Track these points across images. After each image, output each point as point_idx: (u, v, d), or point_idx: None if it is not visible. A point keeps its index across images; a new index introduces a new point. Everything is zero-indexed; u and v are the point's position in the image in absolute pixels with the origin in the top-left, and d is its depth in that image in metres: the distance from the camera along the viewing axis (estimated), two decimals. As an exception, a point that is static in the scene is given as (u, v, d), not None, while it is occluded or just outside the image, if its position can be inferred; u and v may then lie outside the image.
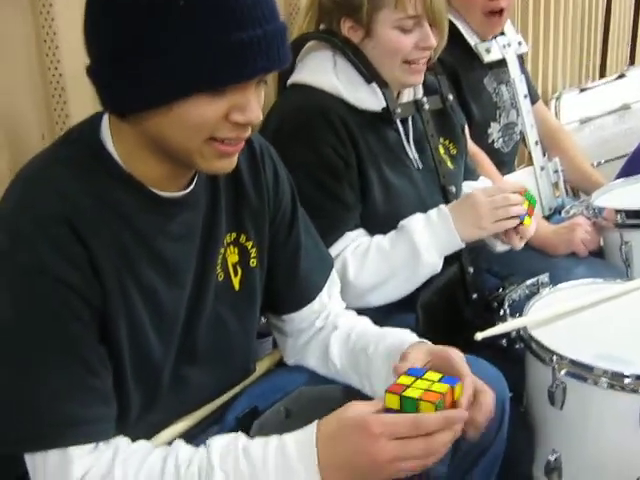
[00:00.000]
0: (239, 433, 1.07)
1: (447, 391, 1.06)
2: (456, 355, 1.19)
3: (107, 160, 1.09)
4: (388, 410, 1.04)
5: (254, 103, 1.04)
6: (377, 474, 1.01)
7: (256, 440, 1.05)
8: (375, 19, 1.61)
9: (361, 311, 1.50)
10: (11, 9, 1.48)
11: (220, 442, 1.05)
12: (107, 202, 1.07)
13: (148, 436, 1.16)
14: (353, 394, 1.32)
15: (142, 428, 1.17)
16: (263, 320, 1.55)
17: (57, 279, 1.01)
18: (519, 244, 1.71)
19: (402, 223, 1.65)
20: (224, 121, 1.03)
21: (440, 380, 1.08)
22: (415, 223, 1.63)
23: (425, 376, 1.09)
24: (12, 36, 1.48)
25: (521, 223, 1.65)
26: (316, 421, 1.04)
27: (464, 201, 1.66)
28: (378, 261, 1.61)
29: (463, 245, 1.65)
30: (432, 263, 1.62)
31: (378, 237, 1.65)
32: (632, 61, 4.13)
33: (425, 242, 1.60)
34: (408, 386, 1.06)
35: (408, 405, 1.04)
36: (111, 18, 0.98)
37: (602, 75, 3.99)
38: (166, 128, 1.03)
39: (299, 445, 1.02)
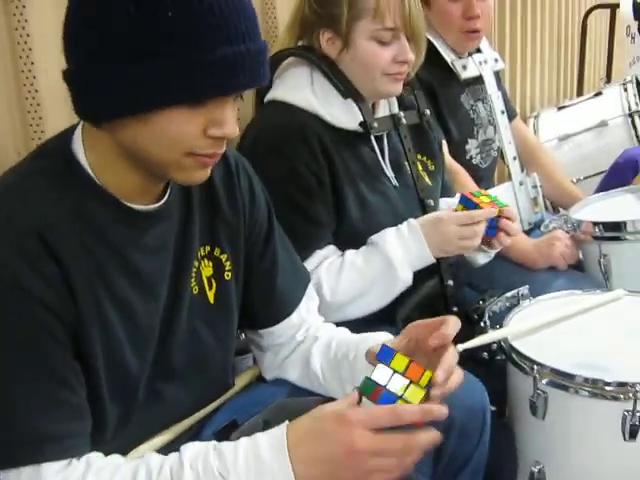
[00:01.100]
0: (212, 441, 1.06)
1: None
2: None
3: (79, 172, 1.08)
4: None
5: (231, 118, 1.05)
6: (354, 467, 0.99)
7: (227, 442, 1.05)
8: (353, 29, 1.61)
9: (342, 325, 1.49)
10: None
11: (192, 447, 1.05)
12: (80, 215, 1.07)
13: (125, 452, 1.15)
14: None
15: (119, 444, 1.15)
16: (243, 337, 1.54)
17: (29, 294, 1.00)
18: (506, 242, 1.73)
19: (373, 238, 1.65)
20: (202, 135, 1.04)
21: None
22: (388, 238, 1.63)
23: (394, 363, 1.07)
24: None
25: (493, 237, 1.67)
26: (287, 421, 1.04)
27: (432, 219, 1.66)
28: (353, 278, 1.61)
29: (434, 260, 1.66)
30: (406, 277, 1.63)
31: (350, 253, 1.65)
32: (609, 79, 4.17)
33: (399, 257, 1.61)
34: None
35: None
36: (94, 22, 0.98)
37: (579, 93, 4.03)
38: (142, 138, 1.03)
39: (270, 438, 1.02)
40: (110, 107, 1.01)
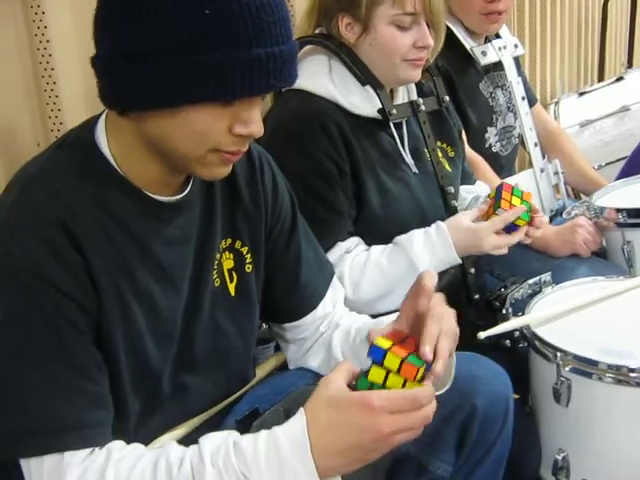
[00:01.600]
0: (231, 431, 1.05)
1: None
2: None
3: (102, 163, 1.09)
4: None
5: (257, 117, 1.06)
6: (380, 448, 0.99)
7: (247, 436, 1.02)
8: (373, 14, 1.60)
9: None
10: (3, 21, 1.48)
11: (211, 440, 1.03)
12: (103, 206, 1.07)
13: (147, 443, 1.15)
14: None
15: (142, 434, 1.15)
16: (264, 326, 1.54)
17: (52, 285, 1.00)
18: (536, 233, 1.71)
19: (400, 239, 1.64)
20: (227, 133, 1.04)
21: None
22: (415, 240, 1.61)
23: (387, 362, 1.04)
24: (5, 45, 1.48)
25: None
26: (301, 409, 1.01)
27: (467, 230, 1.63)
28: (376, 277, 1.60)
29: (460, 262, 1.64)
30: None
31: (375, 251, 1.63)
32: (630, 64, 4.12)
33: (425, 261, 1.59)
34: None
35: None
36: (133, 14, 0.98)
37: (600, 79, 3.99)
38: (168, 131, 1.03)
39: (290, 434, 0.99)
40: (139, 98, 1.01)
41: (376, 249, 1.64)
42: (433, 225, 1.65)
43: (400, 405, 0.98)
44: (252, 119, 1.05)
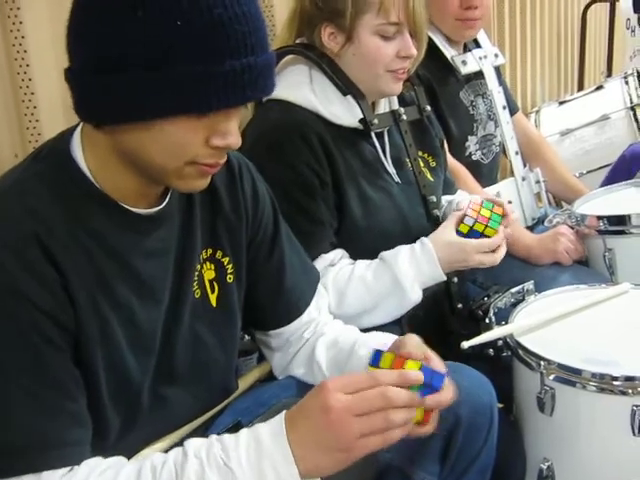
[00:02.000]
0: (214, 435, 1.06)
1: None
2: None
3: (78, 176, 1.07)
4: None
5: (235, 129, 1.04)
6: (340, 432, 0.97)
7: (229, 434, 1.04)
8: (357, 24, 1.60)
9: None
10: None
11: (195, 440, 1.04)
12: (79, 219, 1.05)
13: (128, 458, 1.13)
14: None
15: (122, 449, 1.13)
16: (247, 338, 1.53)
17: (27, 299, 0.98)
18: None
19: (385, 255, 1.63)
20: (204, 145, 1.03)
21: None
22: (399, 257, 1.60)
23: (382, 363, 1.11)
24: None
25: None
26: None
27: (452, 245, 1.63)
28: (360, 292, 1.59)
29: (445, 278, 1.64)
30: (416, 297, 1.61)
31: (360, 266, 1.62)
32: (609, 72, 4.15)
33: (410, 278, 1.59)
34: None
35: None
36: (103, 26, 0.96)
37: (580, 87, 4.02)
38: (144, 144, 1.02)
39: (269, 423, 1.02)
40: (112, 112, 1.00)
41: (361, 263, 1.63)
42: (418, 242, 1.64)
43: (354, 382, 0.99)
44: (229, 131, 1.03)
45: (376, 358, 1.10)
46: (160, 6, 0.94)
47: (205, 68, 0.95)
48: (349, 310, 1.59)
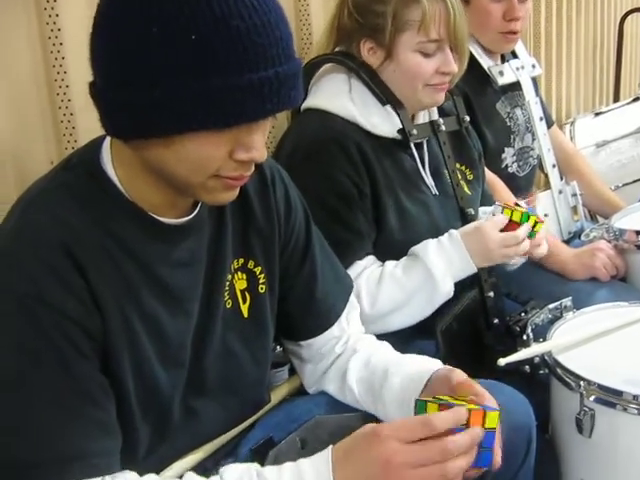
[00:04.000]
0: (253, 463, 1.03)
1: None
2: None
3: (107, 185, 1.06)
4: None
5: (259, 142, 1.02)
6: None
7: (270, 467, 1.01)
8: (397, 41, 1.59)
9: (380, 337, 1.45)
10: (18, 34, 1.47)
11: (233, 470, 1.01)
12: (107, 229, 1.04)
13: (158, 471, 1.12)
14: (371, 422, 1.27)
15: (152, 462, 1.13)
16: (278, 349, 1.51)
17: (56, 310, 0.97)
18: (539, 252, 1.72)
19: (414, 249, 1.62)
20: (228, 159, 1.01)
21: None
22: (429, 250, 1.60)
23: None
24: (21, 62, 1.47)
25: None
26: (331, 445, 1.00)
27: (474, 232, 1.63)
28: (392, 289, 1.58)
29: (476, 270, 1.63)
30: (448, 290, 1.60)
31: (390, 265, 1.62)
32: (646, 84, 4.10)
33: (441, 269, 1.58)
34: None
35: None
36: (122, 45, 0.95)
37: (616, 99, 3.96)
38: (167, 159, 1.00)
39: (314, 463, 0.99)
40: (133, 128, 0.98)
41: (391, 262, 1.62)
42: (446, 234, 1.64)
43: (409, 429, 0.96)
44: (253, 144, 1.01)
45: (421, 409, 1.05)
46: (175, 22, 0.92)
47: (222, 82, 0.93)
48: (382, 309, 1.58)
